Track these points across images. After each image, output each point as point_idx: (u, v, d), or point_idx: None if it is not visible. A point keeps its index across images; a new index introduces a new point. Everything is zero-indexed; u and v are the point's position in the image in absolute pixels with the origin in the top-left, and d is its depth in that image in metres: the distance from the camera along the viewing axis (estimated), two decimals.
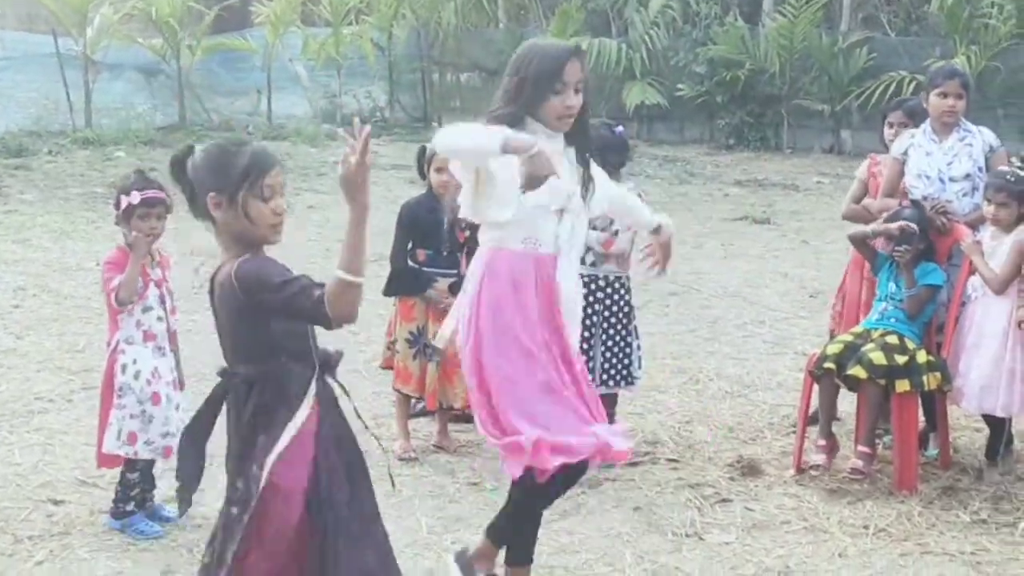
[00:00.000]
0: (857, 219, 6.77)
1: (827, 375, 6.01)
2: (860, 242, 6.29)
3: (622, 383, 6.18)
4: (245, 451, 3.57)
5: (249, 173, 3.50)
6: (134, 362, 5.24)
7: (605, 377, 6.12)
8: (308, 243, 11.40)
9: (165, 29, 19.39)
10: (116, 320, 5.32)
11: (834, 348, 6.02)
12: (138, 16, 19.97)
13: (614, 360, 6.13)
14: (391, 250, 6.32)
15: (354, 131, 3.34)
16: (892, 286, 6.11)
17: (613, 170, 5.96)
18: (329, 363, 3.68)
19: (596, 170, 4.57)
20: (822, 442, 5.99)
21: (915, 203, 6.13)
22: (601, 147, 5.85)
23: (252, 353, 3.59)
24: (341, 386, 3.73)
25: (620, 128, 6.28)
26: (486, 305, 4.32)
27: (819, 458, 5.95)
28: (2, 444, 6.32)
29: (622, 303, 6.17)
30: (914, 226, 6.00)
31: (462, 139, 4.24)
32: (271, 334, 3.53)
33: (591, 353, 6.07)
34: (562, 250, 4.36)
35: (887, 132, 6.73)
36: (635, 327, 6.25)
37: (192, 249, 7.91)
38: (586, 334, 5.98)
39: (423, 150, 6.34)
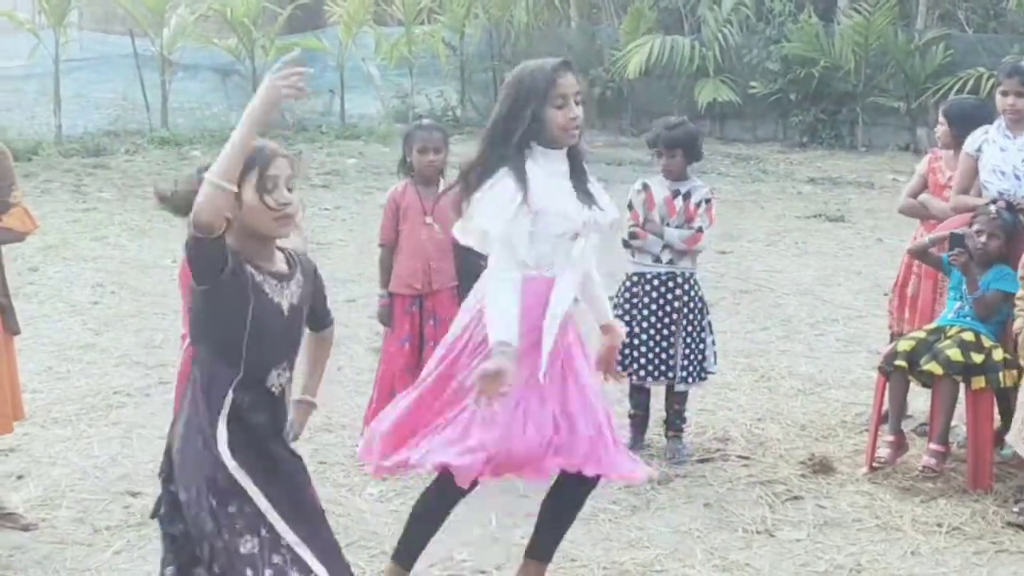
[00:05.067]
0: (913, 214, 6.75)
1: (897, 371, 5.96)
2: (922, 254, 6.28)
3: (696, 379, 6.22)
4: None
5: (252, 166, 3.44)
6: None
7: (684, 374, 6.15)
8: (372, 242, 11.43)
9: (240, 29, 19.60)
10: None
11: (906, 344, 5.97)
12: (213, 17, 20.23)
13: (691, 355, 6.15)
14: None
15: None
16: (966, 287, 6.05)
17: (687, 165, 6.12)
18: (259, 376, 3.55)
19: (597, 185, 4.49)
20: (890, 438, 5.94)
21: (1010, 204, 6.05)
22: (683, 142, 6.08)
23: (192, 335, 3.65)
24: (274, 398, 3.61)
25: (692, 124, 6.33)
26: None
27: (884, 452, 5.91)
28: (81, 437, 6.43)
29: (696, 299, 6.19)
30: (965, 229, 5.96)
31: (497, 311, 4.14)
32: (198, 315, 3.56)
33: (671, 351, 6.13)
34: (567, 269, 4.29)
35: (939, 129, 6.72)
36: (709, 323, 6.28)
37: None
38: (665, 331, 6.12)
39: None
